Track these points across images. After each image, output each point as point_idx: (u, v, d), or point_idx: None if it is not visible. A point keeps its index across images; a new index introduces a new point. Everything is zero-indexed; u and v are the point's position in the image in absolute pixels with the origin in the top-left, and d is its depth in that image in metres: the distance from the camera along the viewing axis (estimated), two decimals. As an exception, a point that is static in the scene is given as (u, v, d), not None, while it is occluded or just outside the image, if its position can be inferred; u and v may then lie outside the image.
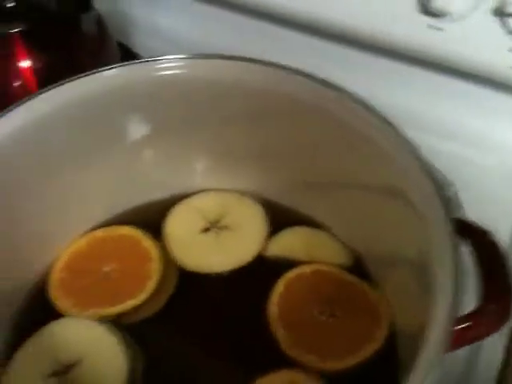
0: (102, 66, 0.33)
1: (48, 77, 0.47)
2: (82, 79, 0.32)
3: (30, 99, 0.31)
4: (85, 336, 0.32)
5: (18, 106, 0.31)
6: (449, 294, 0.24)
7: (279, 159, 0.37)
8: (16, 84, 0.46)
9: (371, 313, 0.33)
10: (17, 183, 0.32)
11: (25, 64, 0.47)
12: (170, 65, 0.32)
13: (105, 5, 0.51)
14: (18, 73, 0.47)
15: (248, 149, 0.37)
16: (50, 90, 0.32)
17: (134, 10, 0.57)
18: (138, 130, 0.36)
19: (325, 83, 0.31)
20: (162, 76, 0.33)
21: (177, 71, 0.33)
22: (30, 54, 0.47)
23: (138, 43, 0.54)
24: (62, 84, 0.32)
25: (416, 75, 0.48)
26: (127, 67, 0.32)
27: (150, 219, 0.38)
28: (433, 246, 0.26)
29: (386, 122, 0.29)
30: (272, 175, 0.38)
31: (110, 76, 0.32)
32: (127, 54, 0.54)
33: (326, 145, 0.34)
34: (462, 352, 0.27)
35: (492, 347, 0.34)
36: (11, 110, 0.31)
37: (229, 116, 0.35)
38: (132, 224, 0.37)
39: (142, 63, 0.33)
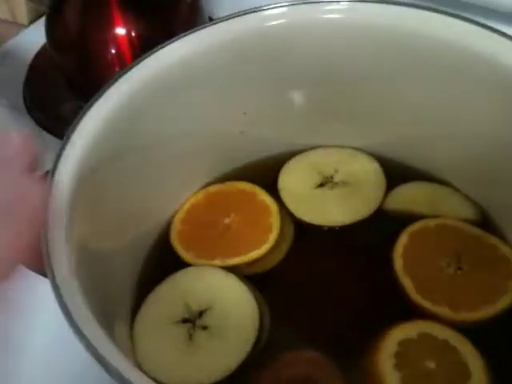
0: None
1: (143, 43, 0.47)
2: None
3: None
4: (215, 283, 0.32)
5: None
6: None
7: (401, 114, 0.36)
8: (113, 50, 0.47)
9: (503, 265, 0.32)
10: (150, 131, 0.33)
11: (121, 31, 0.48)
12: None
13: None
14: (116, 38, 0.48)
15: (367, 104, 0.36)
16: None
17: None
18: (256, 83, 0.35)
19: (494, 30, 0.29)
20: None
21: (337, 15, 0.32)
22: (126, 21, 0.48)
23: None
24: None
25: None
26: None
27: (263, 175, 0.38)
28: None
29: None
30: (386, 131, 0.37)
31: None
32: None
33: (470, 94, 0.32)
34: None
35: None
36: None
37: (366, 67, 0.34)
38: (246, 179, 0.37)
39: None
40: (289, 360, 0.31)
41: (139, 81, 0.31)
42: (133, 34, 0.47)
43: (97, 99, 0.30)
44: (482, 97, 0.32)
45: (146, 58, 0.31)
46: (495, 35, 0.30)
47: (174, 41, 0.32)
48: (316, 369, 0.30)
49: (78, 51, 0.48)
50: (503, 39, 0.29)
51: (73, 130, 0.28)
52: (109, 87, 0.30)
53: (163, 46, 0.32)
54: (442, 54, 0.32)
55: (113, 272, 0.32)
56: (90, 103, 0.30)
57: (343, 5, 0.32)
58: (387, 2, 0.31)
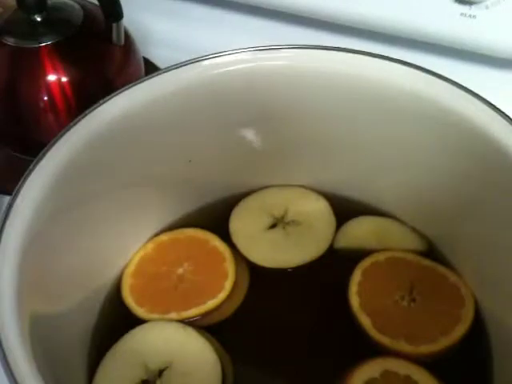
0: (129, 80, 0.33)
1: (77, 90, 0.46)
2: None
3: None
4: (172, 339, 0.31)
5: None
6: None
7: (347, 152, 0.36)
8: (45, 98, 0.46)
9: (453, 294, 0.33)
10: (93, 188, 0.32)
11: (53, 78, 0.46)
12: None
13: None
14: (47, 87, 0.46)
15: (315, 143, 0.37)
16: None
17: (152, 23, 0.56)
18: (200, 130, 0.35)
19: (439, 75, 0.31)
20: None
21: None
22: (59, 68, 0.47)
23: (156, 55, 0.53)
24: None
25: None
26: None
27: (214, 220, 0.38)
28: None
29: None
30: (334, 168, 0.38)
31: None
32: (148, 66, 0.53)
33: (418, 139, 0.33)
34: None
35: None
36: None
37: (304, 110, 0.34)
38: (196, 226, 0.37)
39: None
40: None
41: (84, 136, 0.30)
42: (64, 81, 0.46)
43: (41, 158, 0.29)
44: (425, 136, 0.33)
45: (91, 112, 0.31)
46: (436, 79, 0.31)
47: (116, 94, 0.31)
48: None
49: (7, 99, 0.46)
50: (443, 83, 0.31)
51: (17, 193, 0.27)
52: (52, 145, 0.29)
53: (105, 101, 0.31)
54: (386, 96, 0.32)
55: (64, 335, 0.30)
56: (34, 163, 0.28)
57: (289, 52, 0.33)
58: (331, 49, 0.32)
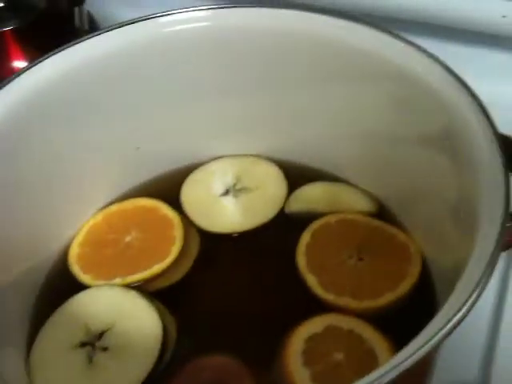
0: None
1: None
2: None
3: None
4: (114, 301, 0.31)
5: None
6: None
7: (297, 119, 0.36)
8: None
9: (401, 252, 0.33)
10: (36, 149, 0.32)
11: (17, 63, 0.47)
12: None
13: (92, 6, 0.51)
14: (11, 72, 0.47)
15: (263, 112, 0.37)
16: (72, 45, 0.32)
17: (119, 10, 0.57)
18: (152, 96, 0.35)
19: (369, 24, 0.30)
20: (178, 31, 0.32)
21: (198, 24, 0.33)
22: (23, 52, 0.47)
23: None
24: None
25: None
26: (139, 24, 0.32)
27: (166, 190, 0.38)
28: (482, 191, 0.25)
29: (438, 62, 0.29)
30: (285, 135, 0.38)
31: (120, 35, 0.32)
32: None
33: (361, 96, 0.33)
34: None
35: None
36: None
37: (253, 76, 0.34)
38: (148, 196, 0.37)
39: (154, 18, 0.32)
40: (197, 367, 0.30)
41: (21, 96, 0.30)
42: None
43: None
44: (372, 97, 0.33)
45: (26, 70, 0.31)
46: (384, 36, 0.31)
47: (54, 54, 0.31)
48: (226, 373, 0.29)
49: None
50: (393, 40, 0.30)
51: None
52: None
53: (41, 61, 0.31)
54: (332, 56, 0.32)
55: (4, 307, 0.30)
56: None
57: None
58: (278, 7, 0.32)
